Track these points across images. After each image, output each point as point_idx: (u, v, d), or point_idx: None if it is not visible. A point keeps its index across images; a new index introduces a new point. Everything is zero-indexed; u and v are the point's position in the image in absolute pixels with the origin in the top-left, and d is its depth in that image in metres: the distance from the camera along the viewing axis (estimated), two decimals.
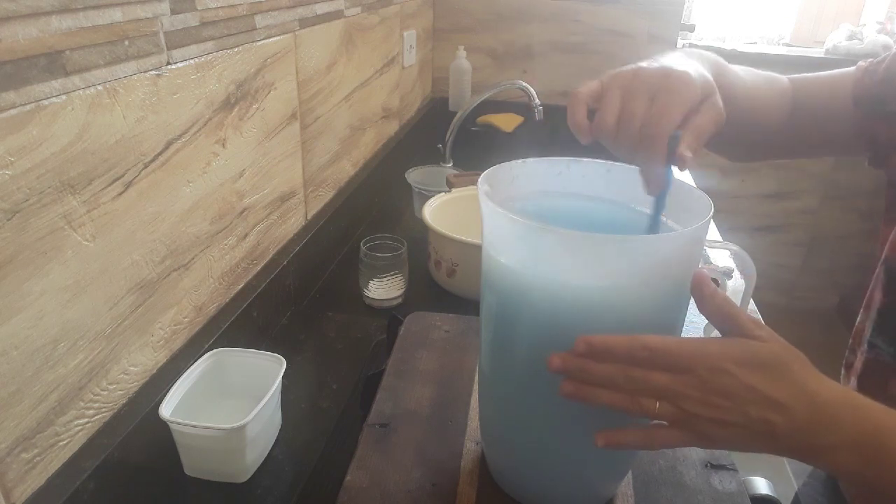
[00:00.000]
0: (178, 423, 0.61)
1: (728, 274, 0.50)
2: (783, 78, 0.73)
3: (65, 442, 0.56)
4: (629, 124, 0.46)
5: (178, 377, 0.65)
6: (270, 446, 0.69)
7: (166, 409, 0.61)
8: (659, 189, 0.47)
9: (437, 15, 1.86)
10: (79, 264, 0.55)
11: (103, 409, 0.60)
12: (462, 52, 1.80)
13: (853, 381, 0.69)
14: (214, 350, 0.70)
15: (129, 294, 0.62)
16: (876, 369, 0.49)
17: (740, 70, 0.68)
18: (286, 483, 0.66)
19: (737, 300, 0.51)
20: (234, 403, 0.69)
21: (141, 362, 0.65)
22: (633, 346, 0.41)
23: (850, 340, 0.70)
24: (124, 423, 0.61)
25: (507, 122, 1.78)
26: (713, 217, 0.44)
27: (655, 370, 0.41)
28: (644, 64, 0.49)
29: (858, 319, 0.69)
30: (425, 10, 1.75)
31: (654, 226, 0.47)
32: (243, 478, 0.65)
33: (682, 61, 0.50)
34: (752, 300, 0.56)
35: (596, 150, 0.52)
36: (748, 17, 2.42)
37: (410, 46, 1.60)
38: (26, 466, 0.52)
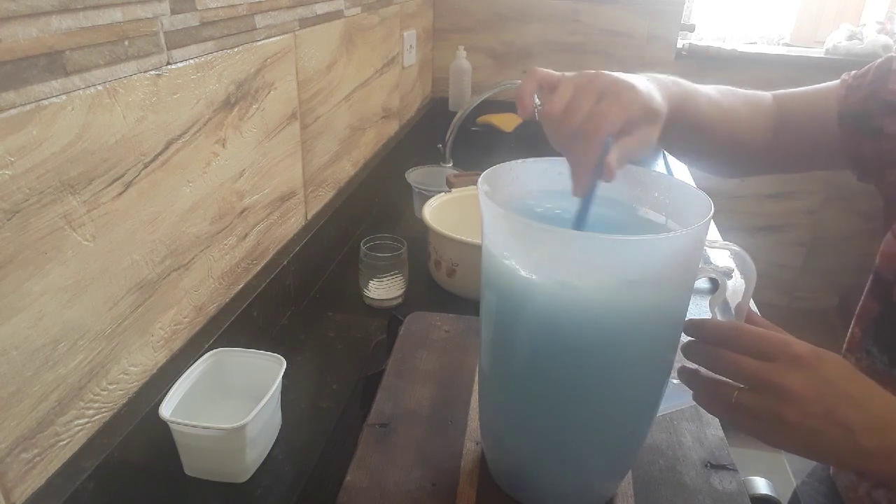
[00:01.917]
0: (178, 423, 0.61)
1: (728, 274, 0.49)
2: (766, 96, 0.73)
3: (65, 442, 0.56)
4: (572, 116, 0.48)
5: (178, 377, 0.65)
6: (270, 446, 0.69)
7: (166, 409, 0.61)
8: (585, 191, 0.47)
9: (437, 15, 1.86)
10: (79, 264, 0.55)
11: (103, 409, 0.60)
12: (462, 52, 1.80)
13: None
14: (214, 350, 0.70)
15: (129, 294, 0.62)
16: (871, 377, 0.51)
17: (716, 94, 0.68)
18: (286, 483, 0.66)
19: (737, 300, 0.51)
20: (234, 403, 0.69)
21: (141, 362, 0.65)
22: (722, 326, 0.46)
23: (844, 346, 0.70)
24: (124, 423, 0.61)
25: (507, 122, 1.78)
26: (713, 217, 0.44)
27: (743, 354, 0.44)
28: (605, 71, 0.50)
29: (852, 325, 0.69)
30: (425, 10, 1.75)
31: (577, 226, 0.47)
32: (243, 478, 0.65)
33: (644, 81, 0.52)
34: (752, 300, 0.57)
35: None
36: (748, 17, 2.42)
37: (410, 46, 1.60)
38: (26, 466, 0.52)
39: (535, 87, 0.50)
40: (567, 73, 0.51)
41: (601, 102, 0.48)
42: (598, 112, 0.47)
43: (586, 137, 0.47)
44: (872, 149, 0.66)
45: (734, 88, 0.72)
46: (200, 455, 0.64)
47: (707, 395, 0.46)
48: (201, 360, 0.68)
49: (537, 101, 0.51)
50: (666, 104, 0.54)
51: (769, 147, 0.72)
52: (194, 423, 0.60)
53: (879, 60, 0.67)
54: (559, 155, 0.52)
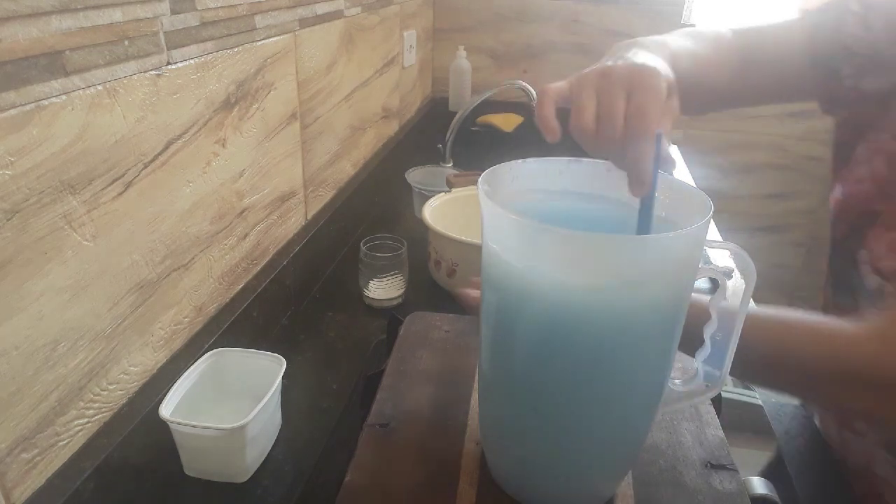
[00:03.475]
0: (178, 424, 0.61)
1: (728, 274, 0.49)
2: (726, 32, 0.75)
3: (65, 442, 0.56)
4: (610, 123, 0.45)
5: (178, 377, 0.65)
6: (270, 446, 0.69)
7: (166, 409, 0.61)
8: (648, 189, 0.46)
9: (437, 15, 1.86)
10: (79, 264, 0.55)
11: (103, 409, 0.60)
12: (462, 52, 1.80)
13: None
14: (214, 350, 0.70)
15: (129, 294, 0.62)
16: (828, 310, 0.55)
17: (691, 44, 0.68)
18: (286, 483, 0.66)
19: (737, 300, 0.51)
20: (234, 403, 0.69)
21: (141, 362, 0.65)
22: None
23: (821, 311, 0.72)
24: (124, 423, 0.61)
25: (507, 122, 1.78)
26: (713, 217, 0.44)
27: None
28: (610, 62, 0.48)
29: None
30: (425, 10, 1.75)
31: (644, 226, 0.46)
32: (243, 478, 0.65)
33: (651, 58, 0.50)
34: (752, 300, 0.57)
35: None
36: (748, 17, 2.42)
37: (410, 46, 1.60)
38: (26, 466, 0.52)
39: (553, 107, 0.47)
40: (572, 80, 0.48)
41: (634, 100, 0.45)
42: (639, 109, 0.45)
43: (639, 139, 0.45)
44: (832, 89, 0.70)
45: (699, 31, 0.73)
46: (200, 455, 0.64)
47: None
48: (201, 360, 0.68)
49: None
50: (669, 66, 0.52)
51: (734, 84, 0.73)
52: (194, 423, 0.60)
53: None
54: (559, 155, 0.52)
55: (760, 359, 0.55)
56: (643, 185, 0.46)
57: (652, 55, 0.51)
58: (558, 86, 0.48)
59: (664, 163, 0.45)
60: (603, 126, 0.45)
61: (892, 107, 0.68)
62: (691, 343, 0.49)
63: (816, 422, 0.80)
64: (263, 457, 0.68)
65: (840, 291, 0.71)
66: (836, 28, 0.68)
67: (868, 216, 0.68)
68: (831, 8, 0.69)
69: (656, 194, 0.46)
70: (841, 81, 0.69)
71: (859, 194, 0.70)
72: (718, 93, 0.74)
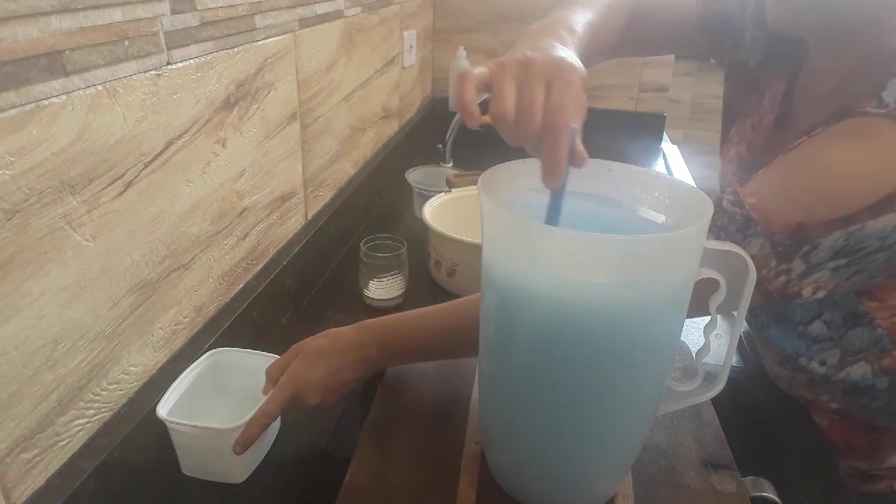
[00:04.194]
0: (175, 423, 0.61)
1: (728, 274, 0.50)
2: None
3: (65, 442, 0.56)
4: (529, 115, 0.45)
5: (177, 377, 0.65)
6: (269, 447, 0.69)
7: (163, 409, 0.61)
8: (560, 181, 0.46)
9: (437, 15, 1.86)
10: (79, 264, 0.55)
11: (103, 409, 0.60)
12: (462, 52, 1.80)
13: None
14: (213, 350, 0.70)
15: (129, 294, 0.62)
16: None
17: (586, 13, 0.68)
18: (286, 483, 0.66)
19: (736, 301, 0.51)
20: (234, 404, 0.69)
21: (141, 362, 0.65)
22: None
23: None
24: (124, 423, 0.61)
25: None
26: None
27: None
28: (529, 52, 0.48)
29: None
30: (425, 10, 1.75)
31: (553, 218, 0.46)
32: (240, 478, 0.65)
33: (567, 51, 0.51)
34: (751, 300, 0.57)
35: (593, 150, 0.52)
36: None
37: (410, 46, 1.60)
38: (26, 466, 0.52)
39: (473, 91, 0.47)
40: (491, 66, 0.48)
41: (554, 91, 0.46)
42: (558, 103, 0.45)
43: (555, 131, 0.45)
44: (719, 57, 0.79)
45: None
46: (197, 455, 0.64)
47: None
48: (200, 359, 0.68)
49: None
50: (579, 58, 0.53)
51: (616, 41, 0.77)
52: (191, 422, 0.60)
53: None
54: None
55: None
56: (556, 177, 0.46)
57: (566, 48, 0.53)
58: (479, 71, 0.48)
59: (577, 158, 0.46)
60: (521, 117, 0.46)
61: (753, 95, 0.76)
62: None
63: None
64: (261, 458, 0.67)
65: None
66: (721, 1, 0.76)
67: None
68: None
69: (567, 188, 0.46)
70: (725, 52, 0.78)
71: (732, 173, 0.79)
72: (601, 51, 0.76)
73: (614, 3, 0.75)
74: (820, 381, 0.70)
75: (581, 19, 0.65)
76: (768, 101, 0.73)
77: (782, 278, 0.56)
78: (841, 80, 0.63)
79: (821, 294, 0.57)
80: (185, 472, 0.65)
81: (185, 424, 0.61)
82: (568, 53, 0.50)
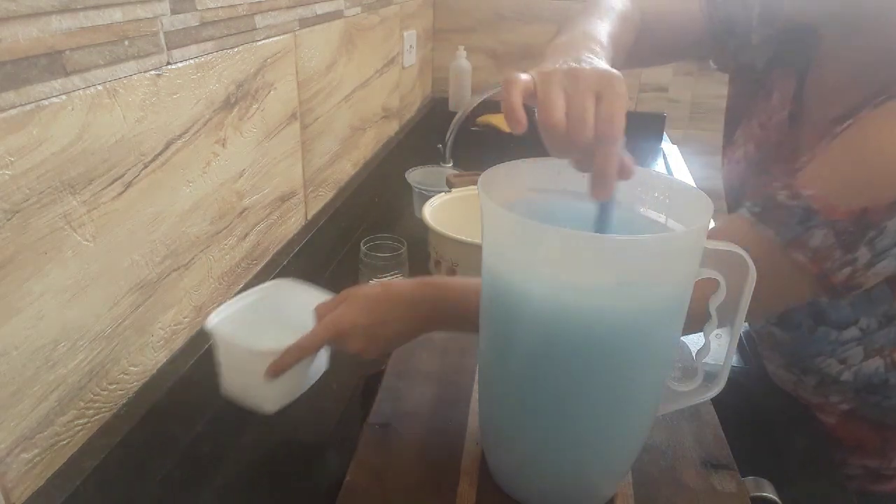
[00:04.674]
0: (219, 336, 0.61)
1: (728, 274, 0.50)
2: (627, 3, 0.78)
3: (65, 442, 0.56)
4: (581, 125, 0.45)
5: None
6: (307, 386, 0.67)
7: (213, 320, 0.61)
8: (610, 193, 0.46)
9: (437, 15, 1.86)
10: (79, 264, 0.55)
11: (103, 409, 0.60)
12: (462, 52, 1.80)
13: None
14: (277, 280, 0.70)
15: (129, 294, 0.62)
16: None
17: (605, 24, 0.68)
18: (286, 483, 0.66)
19: (736, 301, 0.51)
20: (286, 335, 0.64)
21: (141, 362, 0.65)
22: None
23: None
24: (124, 423, 0.61)
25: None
26: (713, 217, 0.44)
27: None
28: (573, 63, 0.48)
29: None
30: (425, 10, 1.75)
31: (602, 228, 0.46)
32: (272, 409, 0.64)
33: (595, 59, 0.51)
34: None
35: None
36: None
37: (410, 46, 1.60)
38: (26, 466, 0.52)
39: (521, 97, 0.47)
40: (535, 75, 0.48)
41: (604, 104, 0.46)
42: (609, 114, 0.45)
43: (607, 142, 0.45)
44: (723, 61, 0.80)
45: (608, 5, 0.74)
46: (233, 374, 0.63)
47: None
48: (262, 286, 0.68)
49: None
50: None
51: (628, 52, 0.77)
52: (229, 338, 0.60)
53: None
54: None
55: None
56: (606, 189, 0.46)
57: (601, 59, 0.53)
58: (525, 78, 0.48)
59: (625, 169, 0.46)
60: (574, 127, 0.45)
61: (759, 95, 0.76)
62: None
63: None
64: (296, 395, 0.66)
65: None
66: (724, 4, 0.76)
67: (743, 194, 0.79)
68: None
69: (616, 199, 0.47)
70: (729, 55, 0.79)
71: (739, 174, 0.79)
72: (617, 64, 0.77)
73: (626, 14, 0.75)
74: (831, 382, 0.69)
75: (605, 32, 0.65)
76: (777, 99, 0.73)
77: (847, 269, 0.55)
78: (860, 67, 0.63)
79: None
80: (223, 392, 0.64)
81: (223, 339, 0.60)
82: (603, 65, 0.50)
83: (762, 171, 0.75)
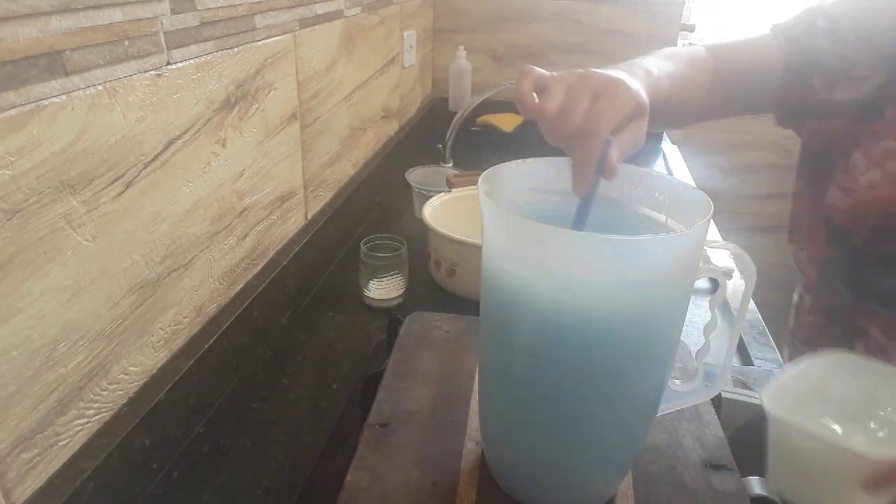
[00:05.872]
0: (781, 418, 0.49)
1: (728, 274, 0.49)
2: (701, 50, 0.78)
3: (65, 442, 0.56)
4: (569, 116, 0.48)
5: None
6: None
7: (773, 401, 0.50)
8: (587, 189, 0.48)
9: (437, 15, 1.86)
10: (79, 264, 0.55)
11: (103, 409, 0.60)
12: (462, 53, 1.80)
13: (820, 318, 0.81)
14: (837, 354, 0.56)
15: (129, 294, 0.62)
16: (838, 310, 0.66)
17: (671, 67, 0.70)
18: (286, 483, 0.66)
19: (737, 300, 0.51)
20: (867, 430, 0.53)
21: (141, 362, 0.65)
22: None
23: (800, 287, 0.84)
24: (124, 423, 0.61)
25: (507, 122, 1.78)
26: (713, 217, 0.44)
27: None
28: (591, 69, 0.51)
29: (808, 271, 0.82)
30: (425, 10, 1.75)
31: (578, 225, 0.47)
32: None
33: (628, 77, 0.53)
34: (752, 300, 0.57)
35: None
36: (748, 17, 2.42)
37: (410, 46, 1.60)
38: (26, 466, 0.52)
39: (532, 85, 0.51)
40: (556, 73, 0.51)
41: (598, 101, 0.48)
42: (597, 112, 0.48)
43: (587, 137, 0.48)
44: (804, 100, 0.75)
45: (677, 51, 0.76)
46: (797, 472, 0.52)
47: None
48: (817, 359, 0.55)
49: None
50: (647, 96, 0.55)
51: (706, 101, 0.77)
52: (804, 426, 0.49)
53: (801, 13, 0.74)
54: (559, 155, 0.52)
55: None
56: (583, 182, 0.48)
57: (633, 78, 0.54)
58: (540, 70, 0.51)
59: (607, 168, 0.47)
60: (561, 117, 0.48)
61: (871, 118, 0.71)
62: None
63: None
64: None
65: (864, 294, 0.74)
66: (808, 42, 0.72)
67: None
68: (800, 23, 0.74)
69: (594, 197, 0.48)
70: (815, 93, 0.73)
71: (880, 198, 0.70)
72: (693, 111, 0.78)
73: (694, 59, 0.75)
74: None
75: (656, 66, 0.66)
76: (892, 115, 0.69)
77: None
78: None
79: None
80: (766, 489, 0.52)
81: (784, 422, 0.48)
82: (629, 79, 0.52)
83: None
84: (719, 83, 0.77)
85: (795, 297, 0.84)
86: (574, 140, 0.48)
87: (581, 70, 0.51)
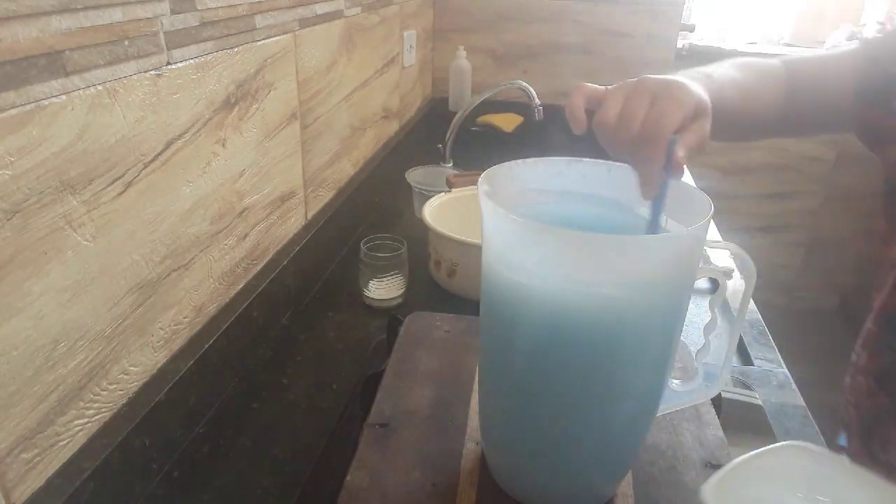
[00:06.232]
0: None
1: (728, 274, 0.49)
2: (776, 64, 0.75)
3: (65, 442, 0.56)
4: (629, 122, 0.47)
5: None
6: None
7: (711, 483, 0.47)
8: (655, 192, 0.47)
9: (437, 15, 1.86)
10: (79, 264, 0.55)
11: (103, 409, 0.60)
12: (462, 52, 1.80)
13: (870, 380, 0.70)
14: (788, 443, 0.51)
15: (129, 294, 0.62)
16: (890, 373, 0.52)
17: (737, 74, 0.69)
18: (286, 483, 0.66)
19: (737, 300, 0.51)
20: None
21: (141, 362, 0.65)
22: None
23: (859, 342, 0.71)
24: (124, 423, 0.61)
25: (507, 122, 1.78)
26: (713, 217, 0.44)
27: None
28: (648, 75, 0.50)
29: (868, 322, 0.70)
30: (425, 10, 1.75)
31: (652, 229, 0.47)
32: None
33: (685, 79, 0.52)
34: (752, 300, 0.57)
35: (594, 150, 0.52)
36: (748, 17, 2.42)
37: (410, 46, 1.60)
38: (26, 466, 0.52)
39: (583, 101, 0.50)
40: (609, 87, 0.51)
41: (657, 104, 0.48)
42: (657, 113, 0.47)
43: (651, 140, 0.47)
44: (886, 124, 0.68)
45: (748, 61, 0.73)
46: None
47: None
48: (767, 449, 0.50)
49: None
50: (708, 97, 0.54)
51: (780, 116, 0.73)
52: None
53: (892, 30, 0.69)
54: (559, 155, 0.52)
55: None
56: (649, 187, 0.47)
57: (690, 80, 0.53)
58: (593, 87, 0.51)
59: (674, 168, 0.46)
60: (621, 125, 0.48)
61: None
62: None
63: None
64: None
65: None
66: (891, 61, 0.67)
67: None
68: (890, 40, 0.69)
69: (665, 199, 0.47)
70: (893, 115, 0.68)
71: None
72: (764, 123, 0.74)
73: (766, 71, 0.73)
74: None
75: (719, 73, 0.65)
76: None
77: None
78: None
79: None
80: None
81: None
82: (686, 80, 0.51)
83: None
84: (794, 98, 0.73)
85: (854, 355, 0.74)
86: (637, 145, 0.47)
87: (635, 79, 0.50)
